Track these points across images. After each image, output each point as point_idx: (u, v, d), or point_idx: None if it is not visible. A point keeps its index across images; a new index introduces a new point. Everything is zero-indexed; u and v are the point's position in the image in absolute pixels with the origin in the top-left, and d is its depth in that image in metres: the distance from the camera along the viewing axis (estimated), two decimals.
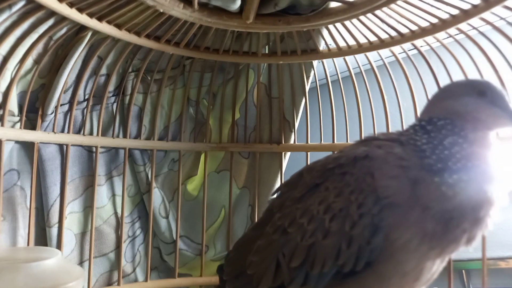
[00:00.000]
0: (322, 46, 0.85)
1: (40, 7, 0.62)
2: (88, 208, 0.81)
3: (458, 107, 0.47)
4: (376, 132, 0.85)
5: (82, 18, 0.66)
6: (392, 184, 0.43)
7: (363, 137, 0.55)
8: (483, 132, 0.46)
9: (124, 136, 0.85)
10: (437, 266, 0.45)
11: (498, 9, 0.62)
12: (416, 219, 0.41)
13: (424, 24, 0.71)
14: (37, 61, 0.71)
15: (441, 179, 0.42)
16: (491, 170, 0.43)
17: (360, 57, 0.84)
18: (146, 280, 0.85)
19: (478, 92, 0.47)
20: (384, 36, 0.77)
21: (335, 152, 0.62)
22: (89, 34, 0.72)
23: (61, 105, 0.75)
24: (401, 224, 0.42)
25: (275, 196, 0.57)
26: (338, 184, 0.46)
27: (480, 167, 0.43)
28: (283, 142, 0.93)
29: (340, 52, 0.83)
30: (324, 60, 0.89)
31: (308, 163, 0.91)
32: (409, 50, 0.79)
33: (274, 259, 0.48)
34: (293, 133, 0.93)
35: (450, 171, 0.42)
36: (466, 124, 0.46)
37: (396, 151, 0.45)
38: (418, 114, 0.79)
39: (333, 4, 0.72)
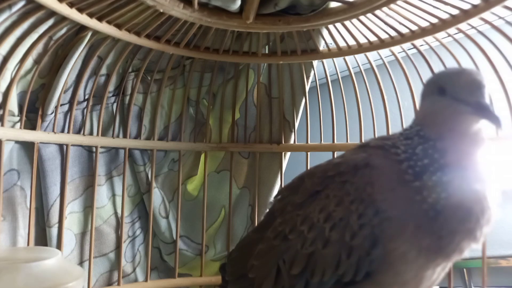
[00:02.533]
0: (322, 46, 0.85)
1: (40, 7, 0.62)
2: (88, 208, 0.81)
3: (424, 111, 0.44)
4: (376, 132, 0.85)
5: (82, 18, 0.66)
6: (389, 197, 0.42)
7: (364, 141, 0.53)
8: (452, 136, 0.41)
9: (124, 136, 0.85)
10: (437, 274, 0.45)
11: (498, 9, 0.62)
12: (411, 234, 0.40)
13: (424, 24, 0.71)
14: (37, 61, 0.71)
15: (421, 197, 0.40)
16: (470, 176, 0.40)
17: (360, 57, 0.84)
18: (146, 280, 0.85)
19: (438, 89, 0.42)
20: (384, 36, 0.77)
21: (336, 156, 0.62)
22: (89, 34, 0.72)
23: (61, 105, 0.75)
24: (398, 237, 0.41)
25: (276, 198, 0.57)
26: (339, 192, 0.45)
27: (457, 178, 0.40)
28: (283, 142, 0.93)
29: (340, 52, 0.83)
30: (324, 60, 0.89)
31: (308, 163, 0.91)
32: (408, 49, 0.79)
33: (275, 265, 0.48)
34: (293, 133, 0.93)
35: (428, 189, 0.40)
36: (431, 130, 0.42)
37: (388, 162, 0.44)
38: None
39: (333, 4, 0.72)
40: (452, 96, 0.40)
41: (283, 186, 0.91)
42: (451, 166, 0.40)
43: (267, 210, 0.57)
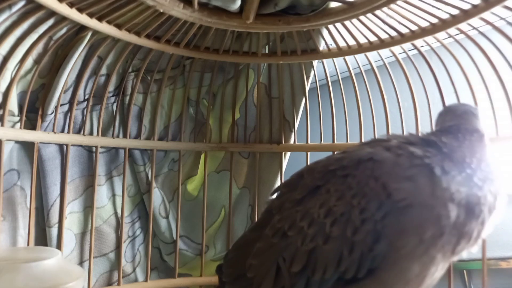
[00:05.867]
0: (322, 46, 0.85)
1: (40, 7, 0.62)
2: (88, 208, 0.81)
3: (482, 127, 0.52)
4: (376, 133, 0.85)
5: (82, 18, 0.66)
6: (407, 186, 0.42)
7: (370, 139, 0.56)
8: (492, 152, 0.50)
9: (124, 136, 0.85)
10: (439, 272, 0.45)
11: (498, 9, 0.62)
12: (439, 215, 0.41)
13: (424, 24, 0.71)
14: (37, 61, 0.71)
15: (474, 172, 0.44)
16: (500, 177, 0.46)
17: (360, 57, 0.84)
18: (146, 280, 0.85)
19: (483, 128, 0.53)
20: (384, 36, 0.77)
21: (337, 153, 0.62)
22: (89, 34, 0.72)
23: (61, 105, 0.75)
24: (414, 227, 0.41)
25: (274, 196, 0.57)
26: (340, 187, 0.45)
27: (497, 171, 0.46)
28: (283, 142, 0.93)
29: (340, 52, 0.83)
30: (324, 60, 0.89)
31: (308, 163, 0.91)
32: (409, 50, 0.79)
33: (275, 263, 0.47)
34: (293, 133, 0.93)
35: (481, 170, 0.44)
36: (488, 142, 0.50)
37: (411, 150, 0.45)
38: (418, 114, 0.80)
39: (333, 4, 0.72)
40: None
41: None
42: (493, 159, 0.47)
43: (265, 209, 0.57)
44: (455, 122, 0.51)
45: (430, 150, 0.45)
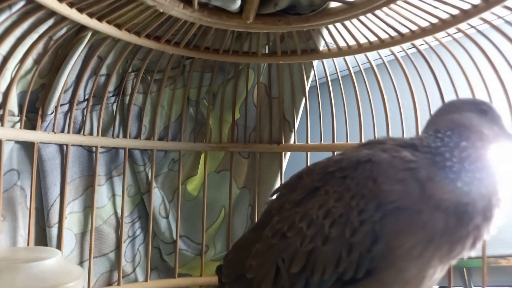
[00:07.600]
0: (322, 46, 0.85)
1: (40, 7, 0.62)
2: (88, 208, 0.81)
3: (464, 120, 0.49)
4: (376, 132, 0.85)
5: (82, 18, 0.66)
6: (397, 188, 0.42)
7: (367, 140, 0.55)
8: (487, 143, 0.48)
9: (124, 136, 0.85)
10: (437, 275, 0.45)
11: (498, 9, 0.62)
12: (425, 221, 0.41)
13: (424, 24, 0.71)
14: (37, 61, 0.71)
15: (458, 176, 0.43)
16: (497, 174, 0.45)
17: (360, 56, 0.84)
18: (146, 280, 0.85)
19: (480, 110, 0.51)
20: (384, 36, 0.77)
21: (336, 154, 0.63)
22: (89, 34, 0.72)
23: (61, 105, 0.75)
24: (406, 230, 0.41)
25: (273, 197, 0.57)
26: (339, 188, 0.45)
27: (489, 169, 0.45)
28: (283, 142, 0.93)
29: (340, 52, 0.83)
30: (324, 60, 0.89)
31: (308, 163, 0.91)
32: (408, 49, 0.79)
33: (274, 264, 0.47)
34: (293, 133, 0.93)
35: (466, 171, 0.43)
36: (471, 134, 0.48)
37: (403, 154, 0.45)
38: (418, 113, 0.80)
39: (333, 4, 0.72)
40: (491, 120, 0.51)
41: None
42: (486, 159, 0.46)
43: (264, 210, 0.57)
44: (435, 126, 0.51)
45: (417, 154, 0.45)
